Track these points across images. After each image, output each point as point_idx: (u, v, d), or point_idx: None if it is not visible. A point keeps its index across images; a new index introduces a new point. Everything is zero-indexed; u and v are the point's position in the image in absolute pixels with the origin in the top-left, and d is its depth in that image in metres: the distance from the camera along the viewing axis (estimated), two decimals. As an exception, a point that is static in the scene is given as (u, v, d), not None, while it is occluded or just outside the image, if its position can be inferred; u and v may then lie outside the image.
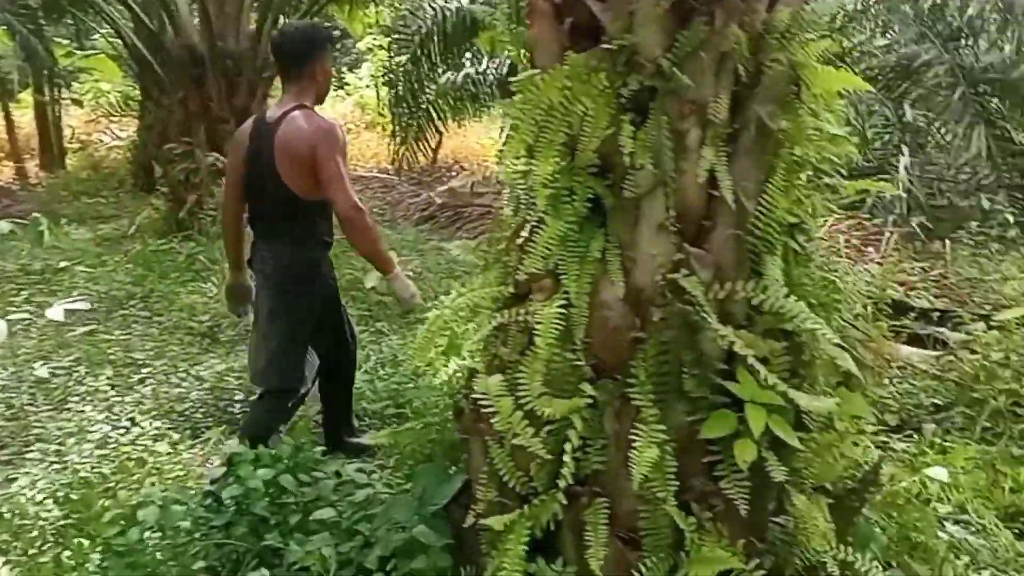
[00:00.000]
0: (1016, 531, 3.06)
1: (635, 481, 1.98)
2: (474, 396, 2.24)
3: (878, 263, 5.83)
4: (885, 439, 3.78)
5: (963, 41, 8.96)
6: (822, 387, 2.27)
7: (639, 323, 2.21)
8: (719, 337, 2.05)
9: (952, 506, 3.17)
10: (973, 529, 3.04)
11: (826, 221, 6.24)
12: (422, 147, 11.81)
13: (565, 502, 2.12)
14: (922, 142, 8.45)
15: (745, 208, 2.21)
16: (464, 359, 2.40)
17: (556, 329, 2.17)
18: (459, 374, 2.58)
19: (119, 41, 11.26)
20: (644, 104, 2.19)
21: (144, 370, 4.46)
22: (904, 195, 6.93)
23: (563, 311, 2.19)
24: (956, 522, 3.09)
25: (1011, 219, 6.35)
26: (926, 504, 2.75)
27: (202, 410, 3.87)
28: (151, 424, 3.54)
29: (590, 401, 2.16)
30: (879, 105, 7.80)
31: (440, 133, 14.07)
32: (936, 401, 4.04)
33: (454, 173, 12.69)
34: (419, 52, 9.81)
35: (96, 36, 15.08)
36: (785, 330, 2.21)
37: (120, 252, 7.77)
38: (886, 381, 4.33)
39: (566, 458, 2.10)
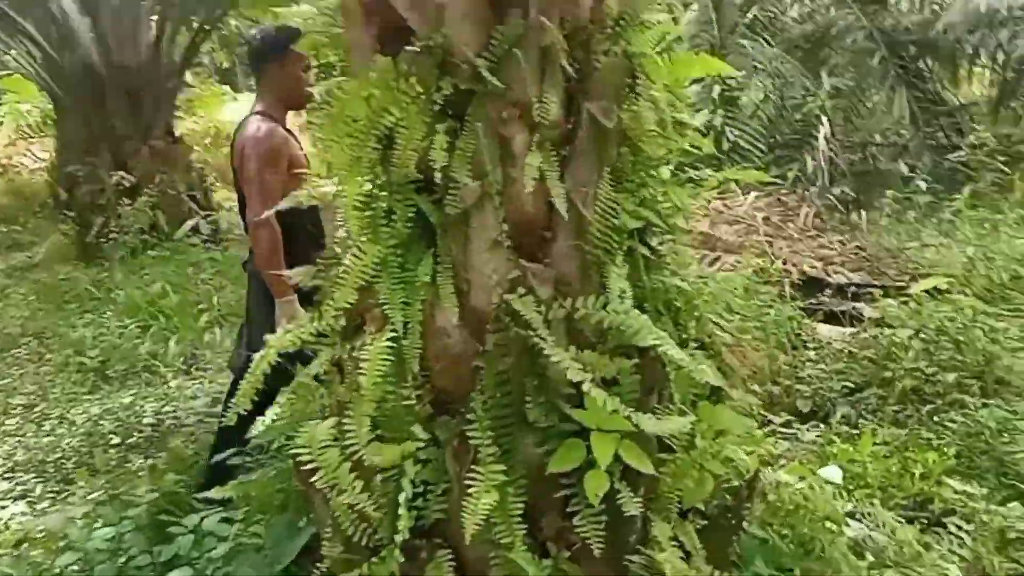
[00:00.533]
0: (924, 521, 2.93)
1: (467, 532, 1.78)
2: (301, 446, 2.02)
3: (796, 238, 5.71)
4: (794, 429, 3.65)
5: (883, 4, 8.91)
6: (679, 404, 2.09)
7: (482, 349, 2.01)
8: (556, 361, 1.86)
9: (857, 500, 3.04)
10: (879, 523, 2.90)
11: (744, 200, 6.13)
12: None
13: (403, 559, 1.91)
14: (849, 109, 8.37)
15: (583, 215, 2.02)
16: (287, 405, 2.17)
17: (384, 365, 1.96)
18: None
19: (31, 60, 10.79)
20: (465, 110, 1.99)
21: (17, 418, 4.18)
22: (824, 166, 6.83)
23: (392, 345, 1.98)
24: (865, 516, 2.95)
25: (923, 185, 6.25)
26: (825, 503, 2.59)
27: (74, 459, 3.61)
28: (15, 480, 3.28)
29: (423, 444, 1.96)
30: (798, 75, 7.67)
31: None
32: (849, 383, 3.91)
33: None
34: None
35: (6, 56, 14.50)
36: (639, 346, 2.02)
37: (28, 283, 7.42)
38: (801, 364, 4.21)
39: (401, 511, 1.90)
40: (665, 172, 2.39)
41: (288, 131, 3.18)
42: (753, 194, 6.30)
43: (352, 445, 1.96)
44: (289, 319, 2.90)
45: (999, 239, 5.20)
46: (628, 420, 1.86)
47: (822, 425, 3.59)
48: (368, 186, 1.98)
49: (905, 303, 4.33)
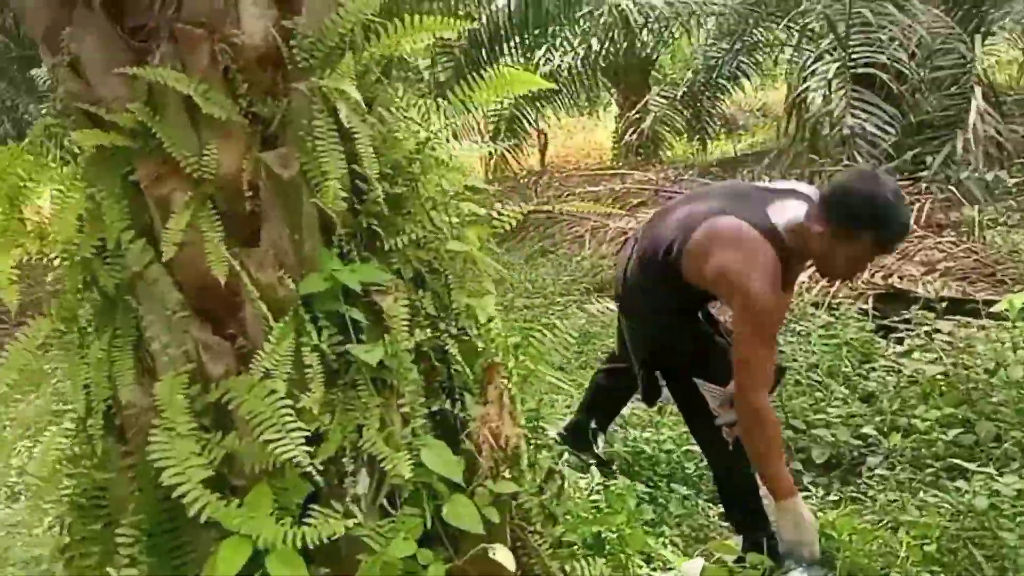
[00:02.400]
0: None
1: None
2: None
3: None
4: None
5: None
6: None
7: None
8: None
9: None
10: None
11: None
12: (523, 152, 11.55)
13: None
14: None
15: (259, 280, 1.76)
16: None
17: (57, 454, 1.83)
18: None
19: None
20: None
21: None
22: (974, 147, 5.71)
23: (69, 431, 1.85)
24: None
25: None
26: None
27: None
28: None
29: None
30: (955, 41, 6.48)
31: (543, 135, 13.80)
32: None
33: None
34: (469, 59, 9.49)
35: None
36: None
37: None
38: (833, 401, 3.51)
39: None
40: (463, 208, 2.08)
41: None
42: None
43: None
44: (787, 528, 2.40)
45: None
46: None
47: (817, 485, 2.94)
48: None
49: (983, 326, 3.49)
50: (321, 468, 1.64)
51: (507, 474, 1.87)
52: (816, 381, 3.69)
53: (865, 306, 4.29)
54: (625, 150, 12.58)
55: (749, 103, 15.68)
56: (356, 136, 1.79)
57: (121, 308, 1.85)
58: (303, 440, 1.59)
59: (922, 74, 6.34)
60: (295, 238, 1.81)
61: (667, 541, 2.76)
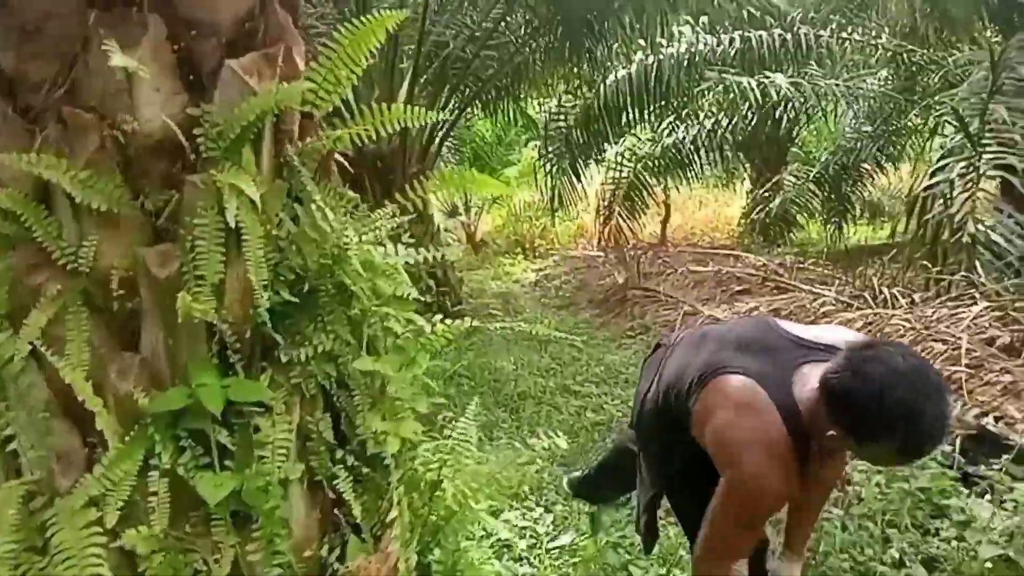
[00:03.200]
0: None
1: None
2: None
3: (1014, 372, 4.17)
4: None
5: None
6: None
7: None
8: None
9: None
10: None
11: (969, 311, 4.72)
12: (637, 222, 11.22)
13: None
14: None
15: (114, 387, 1.60)
16: None
17: None
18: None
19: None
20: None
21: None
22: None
23: None
24: None
25: None
26: None
27: None
28: None
29: None
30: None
31: (666, 206, 13.41)
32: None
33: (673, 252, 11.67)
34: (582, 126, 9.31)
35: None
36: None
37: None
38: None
39: None
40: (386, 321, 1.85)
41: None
42: (982, 304, 4.79)
43: None
44: None
45: None
46: None
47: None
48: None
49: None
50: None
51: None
52: (868, 535, 3.18)
53: (951, 447, 3.71)
54: (752, 228, 12.05)
55: (901, 188, 14.71)
56: (245, 238, 1.61)
57: (-3, 401, 1.72)
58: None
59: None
60: (169, 343, 1.63)
61: None
